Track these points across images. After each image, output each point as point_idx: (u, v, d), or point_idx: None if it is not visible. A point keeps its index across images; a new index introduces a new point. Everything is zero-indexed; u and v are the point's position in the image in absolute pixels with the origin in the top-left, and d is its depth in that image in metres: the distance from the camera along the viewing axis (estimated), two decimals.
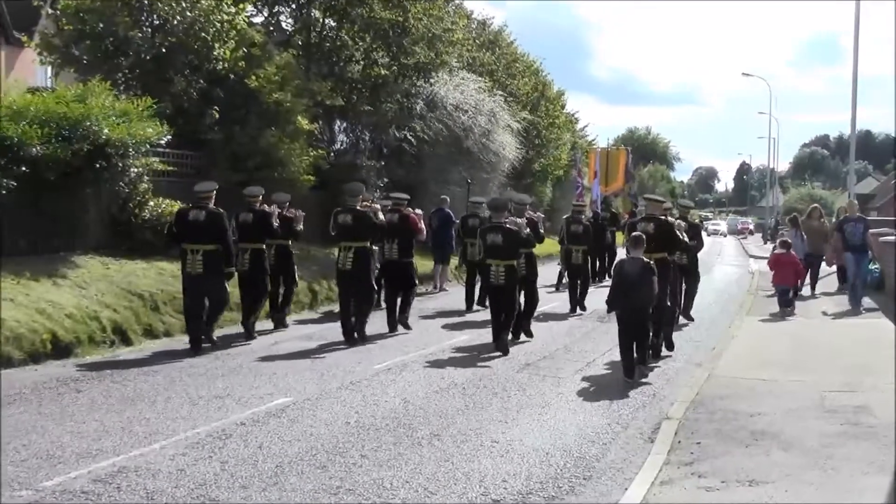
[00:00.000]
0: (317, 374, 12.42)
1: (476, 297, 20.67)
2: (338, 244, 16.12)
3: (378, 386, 11.70)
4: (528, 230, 15.62)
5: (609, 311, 13.51)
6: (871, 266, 21.60)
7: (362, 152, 27.90)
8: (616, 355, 13.93)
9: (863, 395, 11.09)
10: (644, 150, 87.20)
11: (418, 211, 18.84)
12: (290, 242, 17.10)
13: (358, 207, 15.80)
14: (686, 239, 15.31)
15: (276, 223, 16.25)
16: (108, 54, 19.34)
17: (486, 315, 19.60)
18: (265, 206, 16.44)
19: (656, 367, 13.55)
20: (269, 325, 16.92)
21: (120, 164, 16.58)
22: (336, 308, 18.81)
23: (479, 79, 34.22)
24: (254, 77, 21.05)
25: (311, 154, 22.37)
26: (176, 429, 9.22)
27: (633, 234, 13.30)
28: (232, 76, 20.88)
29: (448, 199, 25.27)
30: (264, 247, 16.31)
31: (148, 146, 17.38)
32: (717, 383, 11.98)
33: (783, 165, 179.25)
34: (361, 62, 27.55)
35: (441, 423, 9.79)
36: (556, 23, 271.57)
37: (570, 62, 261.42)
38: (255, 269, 16.03)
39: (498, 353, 14.42)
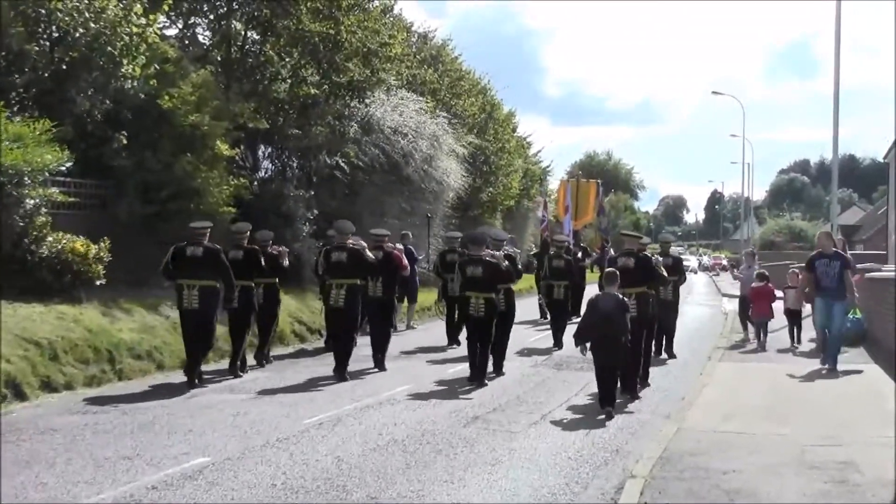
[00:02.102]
0: (239, 430, 12.36)
1: (455, 332, 22.55)
2: (329, 282, 17.94)
3: (308, 443, 11.67)
4: (506, 263, 17.52)
5: (577, 345, 14.59)
6: (851, 314, 19.45)
7: (289, 181, 27.87)
8: (575, 406, 14.19)
9: (847, 450, 11.20)
10: (605, 178, 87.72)
11: (399, 246, 20.79)
12: (276, 281, 19.02)
13: (350, 245, 17.79)
14: (664, 273, 16.75)
15: (263, 260, 18.10)
16: (0, 71, 19.19)
17: (439, 356, 19.80)
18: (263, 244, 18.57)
19: (627, 412, 13.68)
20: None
21: (14, 194, 16.42)
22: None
23: (421, 98, 34.45)
24: (167, 97, 20.99)
25: (232, 183, 22.32)
26: (78, 494, 9.12)
27: (608, 269, 15.09)
28: (142, 96, 20.78)
29: (410, 234, 25.53)
30: (253, 284, 17.90)
31: (46, 174, 17.24)
32: (687, 437, 12.06)
33: (759, 193, 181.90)
34: (288, 80, 27.57)
35: (379, 484, 9.78)
36: (500, 34, 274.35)
37: (518, 78, 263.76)
38: (243, 307, 17.43)
39: (443, 406, 14.46)
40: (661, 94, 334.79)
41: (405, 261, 20.09)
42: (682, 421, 13.17)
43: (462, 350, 21.19)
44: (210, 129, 21.61)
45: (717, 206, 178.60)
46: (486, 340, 17.07)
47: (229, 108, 23.36)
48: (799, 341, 22.54)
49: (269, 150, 28.95)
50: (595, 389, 14.69)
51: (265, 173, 28.80)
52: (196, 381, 15.99)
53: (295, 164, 29.10)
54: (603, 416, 13.61)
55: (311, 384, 16.40)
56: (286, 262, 19.25)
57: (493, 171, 46.61)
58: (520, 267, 19.68)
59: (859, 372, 18.08)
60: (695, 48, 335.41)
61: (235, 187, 22.44)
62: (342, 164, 28.66)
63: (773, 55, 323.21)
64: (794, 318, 22.81)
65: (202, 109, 21.61)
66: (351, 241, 18.06)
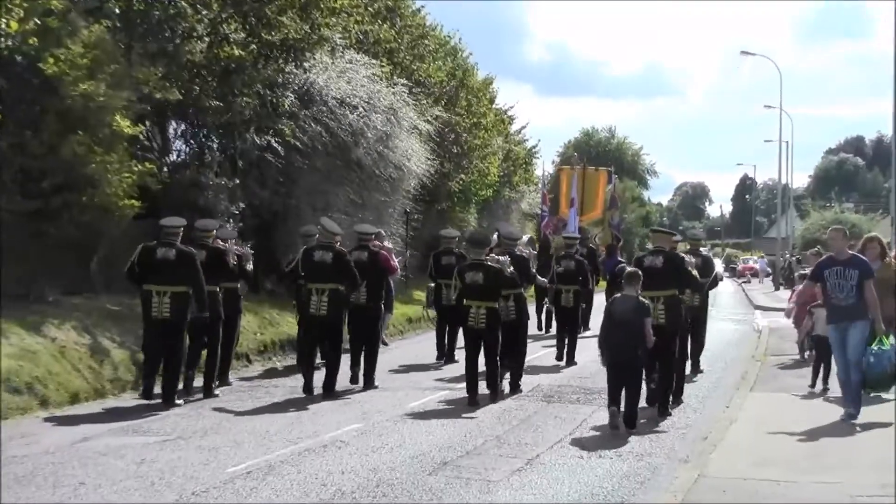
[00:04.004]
0: (144, 482, 12.33)
1: (448, 347, 24.71)
2: (309, 286, 19.38)
3: (232, 497, 11.66)
4: (511, 268, 18.78)
5: (604, 362, 16.06)
6: (875, 346, 16.30)
7: (208, 166, 27.60)
8: (569, 448, 14.22)
9: None
10: (606, 161, 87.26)
11: (388, 244, 22.35)
12: (238, 286, 20.48)
13: (336, 246, 19.38)
14: (697, 275, 18.20)
15: (232, 262, 19.75)
16: None
17: (410, 380, 19.90)
18: (219, 241, 19.92)
19: (635, 451, 13.73)
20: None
21: None
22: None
23: (374, 62, 34.29)
24: (51, 60, 20.82)
25: (136, 169, 22.15)
26: None
27: (629, 269, 16.57)
28: (19, 59, 20.65)
29: (383, 232, 25.63)
30: (218, 289, 19.29)
31: None
32: (710, 486, 12.11)
33: (801, 179, 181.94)
34: (206, 38, 27.40)
35: None
36: None
37: (493, 37, 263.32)
38: (212, 316, 18.79)
39: (403, 449, 14.49)
40: (672, 58, 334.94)
41: (394, 262, 21.65)
42: (704, 466, 13.22)
43: (430, 377, 21.35)
44: (107, 101, 21.39)
45: (747, 196, 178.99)
46: (490, 353, 18.56)
47: (131, 74, 23.16)
48: (826, 380, 19.99)
49: (183, 127, 28.79)
50: (595, 426, 14.77)
51: (177, 156, 28.64)
52: (169, 402, 17.63)
53: (215, 145, 28.85)
54: (616, 435, 14.63)
55: (238, 422, 16.38)
56: (250, 266, 20.66)
57: (466, 153, 46.43)
58: (533, 272, 20.91)
59: (887, 425, 15.73)
60: (712, 2, 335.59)
61: (140, 174, 22.23)
62: (275, 145, 28.39)
63: (811, 10, 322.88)
64: (823, 348, 19.99)
65: (96, 76, 21.39)
66: (338, 241, 19.59)
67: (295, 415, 17.26)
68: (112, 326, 20.20)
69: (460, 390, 18.90)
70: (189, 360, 19.06)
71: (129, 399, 18.15)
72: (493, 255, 19.04)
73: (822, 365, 20.22)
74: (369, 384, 20.24)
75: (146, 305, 17.86)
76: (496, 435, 15.76)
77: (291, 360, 23.83)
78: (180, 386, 18.51)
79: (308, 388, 19.13)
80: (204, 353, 19.41)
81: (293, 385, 19.38)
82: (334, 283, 19.15)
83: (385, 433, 15.58)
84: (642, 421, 16.14)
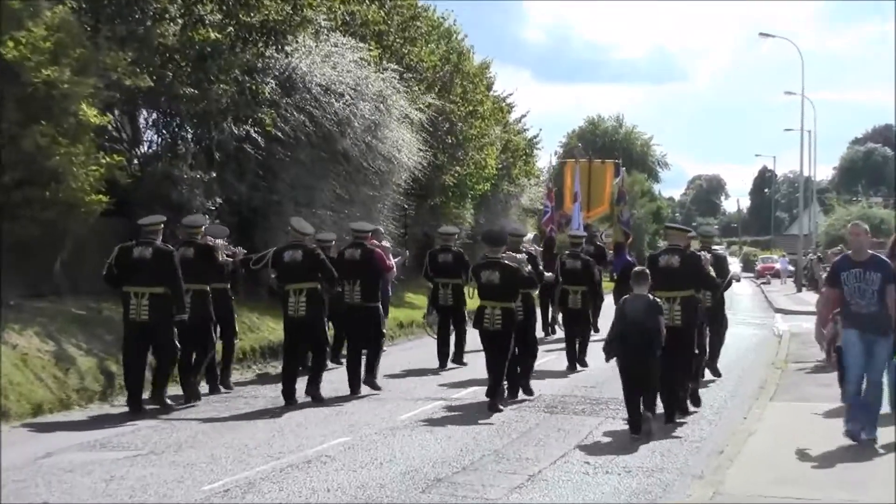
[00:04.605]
0: (114, 500, 12.32)
1: (451, 352, 25.31)
2: (286, 288, 19.71)
3: None
4: (529, 267, 19.32)
5: (608, 359, 16.54)
6: None
7: (182, 158, 27.46)
8: (574, 462, 14.23)
9: None
10: (613, 152, 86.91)
11: (385, 244, 22.86)
12: (228, 286, 21.00)
13: (306, 244, 19.85)
14: (714, 275, 18.68)
15: (221, 259, 20.30)
16: None
17: (401, 389, 19.87)
18: (209, 239, 20.36)
19: (645, 467, 13.74)
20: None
21: None
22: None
23: (362, 45, 34.18)
24: (11, 44, 20.80)
25: (103, 161, 22.05)
26: None
27: (637, 268, 17.12)
28: None
29: (381, 230, 25.69)
30: (208, 289, 19.95)
31: None
32: None
33: (824, 171, 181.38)
34: (179, 20, 27.33)
35: None
36: None
37: (487, 19, 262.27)
38: (198, 316, 19.44)
39: (393, 464, 14.49)
40: (683, 40, 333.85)
41: (390, 260, 22.10)
42: (720, 482, 13.20)
43: (424, 387, 21.36)
44: (72, 89, 21.31)
45: (766, 190, 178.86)
46: (501, 356, 18.90)
47: (98, 58, 23.08)
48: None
49: (154, 116, 28.67)
50: (601, 439, 14.76)
51: (149, 148, 28.54)
52: (155, 407, 18.13)
53: (189, 136, 28.60)
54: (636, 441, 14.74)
55: (214, 436, 16.37)
56: (236, 261, 20.92)
57: (462, 144, 46.16)
58: (541, 269, 21.35)
59: None
60: None
61: (108, 167, 22.05)
62: (254, 135, 28.26)
63: None
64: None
65: (61, 61, 21.33)
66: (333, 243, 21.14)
67: (276, 427, 17.24)
68: (78, 332, 20.15)
69: (456, 400, 18.96)
70: (226, 358, 20.41)
71: (97, 410, 18.13)
72: (509, 252, 19.32)
73: None
74: (370, 382, 20.80)
75: (125, 307, 18.22)
76: (494, 449, 15.74)
77: (272, 367, 23.83)
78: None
79: (290, 397, 19.22)
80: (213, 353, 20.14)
81: (274, 395, 19.37)
82: (310, 283, 19.57)
83: (374, 447, 15.58)
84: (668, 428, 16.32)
